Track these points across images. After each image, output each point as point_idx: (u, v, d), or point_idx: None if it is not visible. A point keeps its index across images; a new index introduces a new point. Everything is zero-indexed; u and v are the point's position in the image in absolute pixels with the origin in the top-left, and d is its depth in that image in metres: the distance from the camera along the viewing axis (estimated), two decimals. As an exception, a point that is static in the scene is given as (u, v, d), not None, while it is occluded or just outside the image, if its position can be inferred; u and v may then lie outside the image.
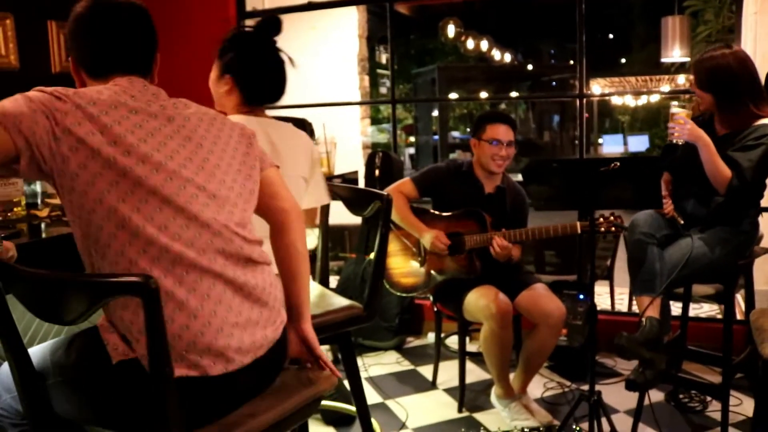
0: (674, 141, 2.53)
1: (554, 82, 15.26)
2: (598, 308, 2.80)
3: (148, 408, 1.30)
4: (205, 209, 1.40)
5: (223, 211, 1.43)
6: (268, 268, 1.52)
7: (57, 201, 2.21)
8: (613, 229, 2.62)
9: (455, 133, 15.04)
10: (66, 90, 1.36)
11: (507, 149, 2.97)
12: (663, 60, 7.48)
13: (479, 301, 2.78)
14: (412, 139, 12.40)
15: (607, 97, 13.48)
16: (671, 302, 2.94)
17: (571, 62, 16.39)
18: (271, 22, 2.09)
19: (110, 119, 1.35)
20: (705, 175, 2.49)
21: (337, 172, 3.81)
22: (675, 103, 2.61)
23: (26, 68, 4.12)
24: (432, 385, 3.31)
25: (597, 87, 14.83)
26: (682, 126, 2.48)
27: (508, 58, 12.40)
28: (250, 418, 1.43)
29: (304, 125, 3.24)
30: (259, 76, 2.08)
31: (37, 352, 1.44)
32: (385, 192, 2.33)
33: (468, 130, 16.23)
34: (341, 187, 2.56)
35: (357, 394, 2.24)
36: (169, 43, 4.52)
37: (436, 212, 3.08)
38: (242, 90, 2.08)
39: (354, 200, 2.40)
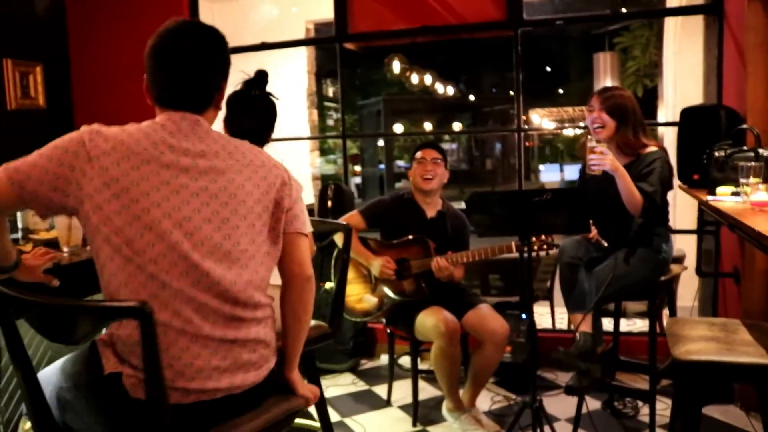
0: (594, 172, 2.78)
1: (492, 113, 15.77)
2: (540, 327, 3.08)
3: (127, 421, 1.48)
4: (217, 267, 1.50)
5: (231, 272, 1.52)
6: (264, 325, 1.62)
7: (39, 236, 2.34)
8: (545, 247, 2.91)
9: (400, 162, 15.41)
10: (92, 139, 1.47)
11: (434, 166, 3.28)
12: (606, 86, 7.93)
13: (428, 320, 3.01)
14: (357, 168, 12.68)
15: (544, 131, 14.00)
16: (604, 318, 3.24)
17: (511, 93, 17.00)
18: (259, 76, 2.37)
19: (136, 177, 1.46)
20: (619, 202, 2.78)
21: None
22: (591, 136, 2.90)
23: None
24: (387, 403, 3.51)
25: (536, 116, 15.42)
26: (604, 156, 2.75)
27: (451, 91, 12.85)
28: (233, 428, 1.59)
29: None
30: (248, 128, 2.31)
31: (56, 364, 1.61)
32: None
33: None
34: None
35: (321, 409, 2.43)
36: (136, 78, 4.70)
37: (384, 241, 3.31)
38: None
39: (316, 234, 2.61)
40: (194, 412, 1.51)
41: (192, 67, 1.58)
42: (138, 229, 1.45)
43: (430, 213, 3.35)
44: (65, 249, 2.19)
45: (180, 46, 1.57)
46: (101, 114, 3.14)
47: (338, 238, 3.12)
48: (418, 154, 3.34)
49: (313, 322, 2.43)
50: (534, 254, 2.85)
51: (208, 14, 5.15)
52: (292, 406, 1.76)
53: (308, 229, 1.73)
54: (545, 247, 2.88)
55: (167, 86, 1.58)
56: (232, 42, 5.33)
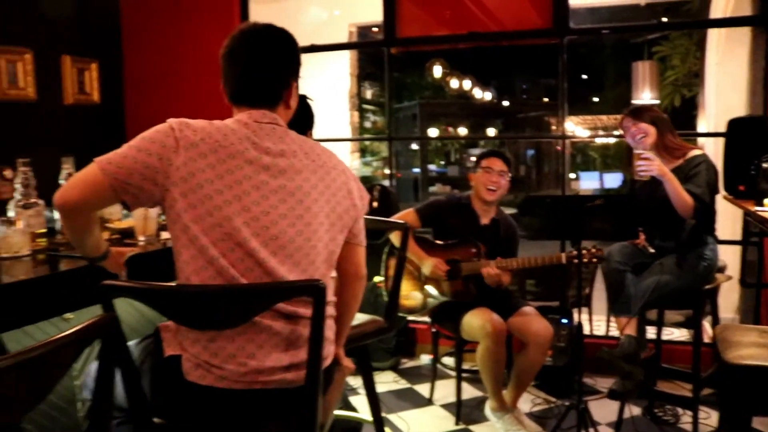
0: (642, 178, 2.84)
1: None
2: (580, 332, 3.13)
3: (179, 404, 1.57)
4: (281, 266, 1.57)
5: (297, 269, 1.59)
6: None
7: (115, 225, 2.43)
8: (594, 260, 2.95)
9: (431, 167, 15.46)
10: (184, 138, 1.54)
11: (499, 177, 3.31)
12: (633, 102, 7.94)
13: (476, 321, 3.07)
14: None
15: (585, 139, 13.96)
16: (646, 327, 3.29)
17: (546, 99, 16.96)
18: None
19: (221, 170, 1.54)
20: (667, 208, 2.82)
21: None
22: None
23: (42, 100, 4.38)
24: (429, 401, 3.58)
25: (570, 124, 15.36)
26: (651, 162, 2.79)
27: (488, 96, 12.90)
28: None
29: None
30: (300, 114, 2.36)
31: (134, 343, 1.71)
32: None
33: (443, 163, 16.66)
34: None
35: (373, 403, 2.51)
36: (185, 77, 4.84)
37: (436, 241, 3.38)
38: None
39: (371, 230, 2.69)
40: (256, 400, 1.58)
41: (261, 64, 1.65)
42: (215, 220, 1.52)
43: (485, 219, 3.40)
44: (141, 238, 2.29)
45: (251, 46, 1.65)
46: (151, 111, 3.26)
47: (393, 236, 3.20)
48: (485, 162, 3.35)
49: (367, 317, 2.51)
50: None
51: (256, 15, 5.27)
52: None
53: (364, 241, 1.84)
54: (594, 260, 2.92)
55: (238, 83, 1.67)
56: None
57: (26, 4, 4.29)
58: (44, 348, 1.06)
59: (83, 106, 4.68)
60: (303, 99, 2.42)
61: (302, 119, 2.42)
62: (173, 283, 1.59)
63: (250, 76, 1.66)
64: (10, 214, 2.08)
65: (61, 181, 2.25)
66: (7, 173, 4.02)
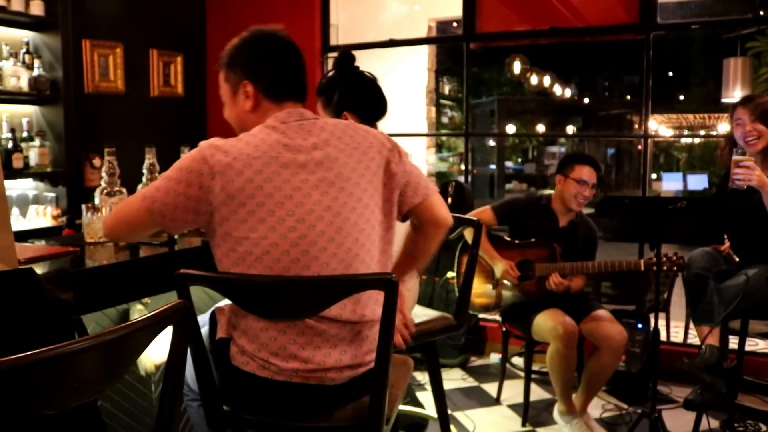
0: (740, 187, 2.66)
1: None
2: (657, 338, 3.01)
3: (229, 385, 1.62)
4: (331, 261, 1.58)
5: (343, 264, 1.60)
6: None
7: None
8: (675, 268, 2.84)
9: (508, 164, 15.26)
10: (213, 159, 1.57)
11: (590, 190, 3.22)
12: (723, 100, 7.60)
13: (548, 322, 3.01)
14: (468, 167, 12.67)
15: (669, 139, 13.47)
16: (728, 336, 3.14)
17: (628, 97, 16.47)
18: (346, 56, 2.40)
19: (259, 181, 1.56)
20: (758, 216, 2.67)
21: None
22: (737, 149, 2.77)
23: (130, 93, 4.56)
24: (496, 401, 3.54)
25: (653, 123, 14.86)
26: (751, 172, 2.63)
27: (568, 93, 12.62)
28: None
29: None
30: (370, 100, 2.35)
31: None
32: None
33: (519, 160, 16.43)
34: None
35: (439, 399, 2.50)
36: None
37: (511, 240, 3.33)
38: (362, 118, 2.30)
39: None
40: (303, 394, 1.60)
41: (292, 59, 1.72)
42: (260, 234, 1.56)
43: (563, 222, 3.33)
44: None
45: (278, 46, 1.71)
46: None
47: (467, 233, 3.17)
48: (579, 173, 3.22)
49: (437, 314, 2.50)
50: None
51: (334, 9, 5.32)
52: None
53: (434, 188, 1.81)
54: (674, 268, 2.81)
55: (269, 81, 1.70)
56: (358, 38, 5.54)
57: (117, 2, 4.48)
58: (121, 331, 1.11)
59: (168, 99, 4.84)
60: (376, 87, 2.39)
61: (374, 107, 2.40)
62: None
63: (275, 73, 1.70)
64: (96, 201, 2.17)
65: (144, 171, 2.33)
66: (96, 161, 4.22)
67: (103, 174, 2.17)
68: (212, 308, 1.76)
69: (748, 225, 2.73)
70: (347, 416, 1.63)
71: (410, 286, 2.30)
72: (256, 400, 1.62)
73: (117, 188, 2.16)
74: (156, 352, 2.03)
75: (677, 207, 2.42)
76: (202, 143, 1.63)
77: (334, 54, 4.86)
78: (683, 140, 14.03)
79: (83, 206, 2.10)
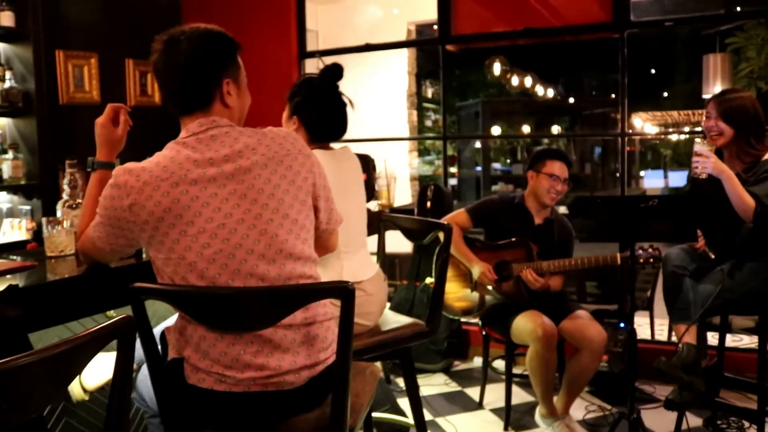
0: (698, 175, 2.70)
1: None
2: (639, 337, 3.00)
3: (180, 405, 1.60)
4: (255, 271, 1.57)
5: (274, 265, 1.58)
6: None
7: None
8: (651, 260, 2.82)
9: (496, 165, 15.26)
10: (126, 187, 1.58)
11: (562, 185, 3.21)
12: (704, 96, 7.61)
13: (526, 324, 2.99)
14: (454, 170, 12.66)
15: (648, 136, 13.52)
16: (709, 333, 3.13)
17: (613, 96, 16.52)
18: (334, 69, 2.37)
19: (167, 203, 1.55)
20: (729, 208, 2.67)
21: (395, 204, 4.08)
22: (698, 140, 2.79)
23: (106, 103, 4.49)
24: (479, 405, 3.51)
25: (638, 120, 14.91)
26: (706, 159, 2.67)
27: (551, 93, 12.63)
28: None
29: (367, 161, 3.53)
30: (322, 118, 2.33)
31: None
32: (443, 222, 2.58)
33: (508, 161, 16.44)
34: (404, 219, 2.83)
35: (415, 406, 2.47)
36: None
37: (487, 242, 3.31)
38: (308, 129, 2.33)
39: (416, 231, 2.66)
40: (260, 402, 1.58)
41: (183, 70, 1.64)
42: (177, 256, 1.55)
43: (538, 219, 3.32)
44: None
45: (170, 54, 1.64)
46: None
47: (442, 236, 3.14)
48: (551, 168, 3.22)
49: (409, 320, 2.47)
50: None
51: (312, 16, 5.30)
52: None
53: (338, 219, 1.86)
54: (651, 260, 2.80)
55: (172, 94, 1.67)
56: (336, 43, 5.51)
57: (91, 12, 4.43)
58: (65, 345, 1.10)
59: (145, 108, 4.80)
60: (337, 112, 2.37)
61: (338, 123, 2.38)
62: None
63: (176, 84, 1.65)
64: (58, 214, 2.13)
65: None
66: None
67: (65, 186, 2.14)
68: (161, 327, 1.73)
69: (720, 219, 2.72)
70: (310, 424, 1.60)
71: (373, 291, 2.27)
72: (217, 414, 1.59)
73: (79, 200, 2.12)
74: (89, 377, 1.99)
75: (649, 205, 2.41)
76: (117, 170, 1.62)
77: (312, 59, 4.87)
78: (668, 137, 14.06)
79: (44, 219, 2.06)
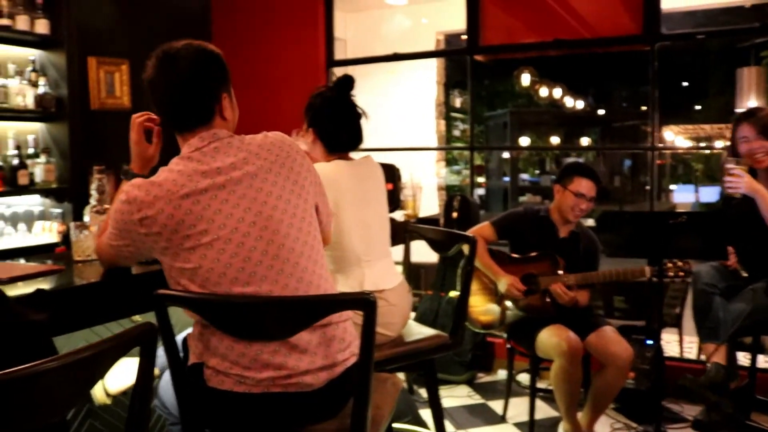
0: (730, 194, 2.66)
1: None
2: (667, 355, 2.94)
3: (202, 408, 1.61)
4: (269, 273, 1.59)
5: (287, 265, 1.60)
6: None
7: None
8: (681, 274, 2.77)
9: (524, 176, 15.17)
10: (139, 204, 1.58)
11: (588, 203, 3.16)
12: (737, 111, 7.50)
13: (551, 338, 2.95)
14: (482, 180, 12.62)
15: (678, 150, 13.33)
16: (740, 353, 3.06)
17: (644, 108, 16.35)
18: (346, 81, 2.38)
19: (179, 215, 1.56)
20: (763, 227, 2.61)
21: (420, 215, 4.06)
22: (730, 158, 2.74)
23: (137, 109, 4.55)
24: (502, 419, 3.47)
25: (670, 133, 14.72)
26: (739, 179, 2.62)
27: (580, 104, 12.53)
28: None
29: (392, 171, 3.52)
30: (336, 129, 2.35)
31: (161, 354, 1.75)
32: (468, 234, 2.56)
33: (537, 172, 16.33)
34: (429, 230, 2.81)
35: (437, 418, 2.45)
36: (265, 87, 4.97)
37: (513, 255, 3.28)
38: (323, 141, 2.36)
39: (441, 242, 2.64)
40: (281, 403, 1.59)
41: (184, 89, 1.65)
42: (196, 261, 1.56)
43: (563, 233, 3.27)
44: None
45: (168, 71, 1.65)
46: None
47: (466, 248, 3.12)
48: (577, 186, 3.14)
49: (432, 332, 2.45)
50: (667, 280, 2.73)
51: (341, 25, 5.32)
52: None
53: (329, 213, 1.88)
54: (681, 274, 2.74)
55: (173, 112, 1.68)
56: (364, 52, 5.53)
57: (123, 19, 4.51)
58: (88, 351, 1.12)
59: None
60: (354, 115, 2.38)
61: (353, 134, 2.38)
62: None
63: (177, 103, 1.66)
64: (86, 219, 2.16)
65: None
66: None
67: (93, 192, 2.16)
68: (183, 333, 1.74)
69: (753, 237, 2.67)
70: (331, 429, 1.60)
71: (396, 301, 2.26)
72: (238, 417, 1.59)
73: (107, 206, 2.14)
74: (112, 381, 2.00)
75: (678, 221, 2.37)
76: (126, 186, 1.64)
77: (340, 69, 4.89)
78: (700, 151, 13.86)
79: (71, 224, 2.09)
